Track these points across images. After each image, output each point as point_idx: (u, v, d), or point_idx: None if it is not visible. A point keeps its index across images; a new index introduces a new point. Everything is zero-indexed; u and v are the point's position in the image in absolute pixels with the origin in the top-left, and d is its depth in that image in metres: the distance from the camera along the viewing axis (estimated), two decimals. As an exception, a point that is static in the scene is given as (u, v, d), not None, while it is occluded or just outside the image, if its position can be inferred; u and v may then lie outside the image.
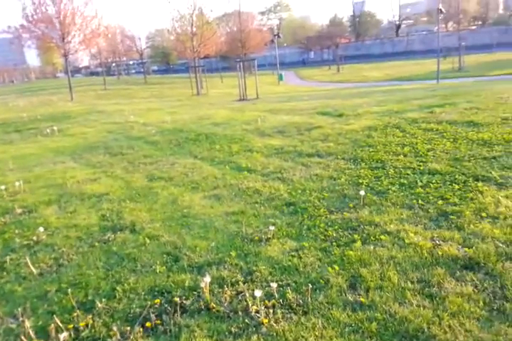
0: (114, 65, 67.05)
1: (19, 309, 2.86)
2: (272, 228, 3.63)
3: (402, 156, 5.48)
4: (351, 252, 3.12)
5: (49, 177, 6.48)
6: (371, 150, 5.96)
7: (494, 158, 4.94)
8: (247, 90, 20.17)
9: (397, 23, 73.41)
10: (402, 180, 4.58)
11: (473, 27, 64.70)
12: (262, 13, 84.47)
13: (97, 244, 3.87)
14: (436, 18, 32.07)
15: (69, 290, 2.98)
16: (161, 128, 10.25)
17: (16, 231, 4.36)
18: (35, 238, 4.11)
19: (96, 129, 11.33)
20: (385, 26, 79.35)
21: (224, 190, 5.09)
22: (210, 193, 5.03)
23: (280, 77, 39.77)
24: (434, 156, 5.30)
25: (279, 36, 48.69)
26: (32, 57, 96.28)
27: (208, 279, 2.80)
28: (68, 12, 23.84)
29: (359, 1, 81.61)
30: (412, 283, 2.69)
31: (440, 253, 2.99)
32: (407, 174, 4.78)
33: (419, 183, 4.42)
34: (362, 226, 3.58)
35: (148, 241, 3.80)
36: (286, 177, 5.26)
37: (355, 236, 3.39)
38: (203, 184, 5.42)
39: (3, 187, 5.81)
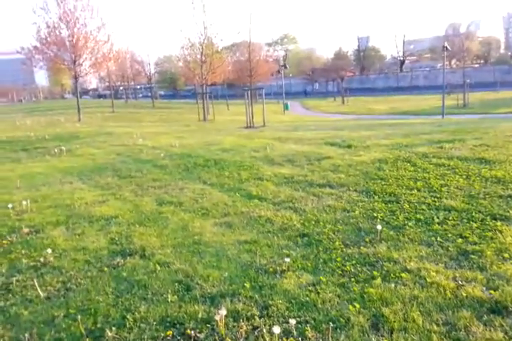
0: (122, 88, 68.34)
1: (26, 334, 2.75)
2: (286, 260, 3.54)
3: (415, 191, 5.44)
4: (372, 290, 3.02)
5: (57, 198, 6.42)
6: (383, 183, 5.93)
7: (510, 196, 4.90)
8: (253, 118, 20.40)
9: (401, 58, 75.30)
10: (418, 216, 4.52)
11: (476, 65, 66.36)
12: (269, 45, 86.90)
13: (106, 268, 3.77)
14: (441, 55, 32.88)
15: (78, 316, 2.87)
16: (170, 152, 10.28)
17: (23, 252, 4.27)
18: (42, 259, 4.01)
19: (104, 151, 11.37)
20: (389, 61, 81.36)
21: (235, 217, 5.03)
22: (221, 220, 4.96)
23: (286, 107, 40.39)
24: (448, 192, 5.26)
25: (285, 67, 49.90)
26: (41, 78, 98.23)
27: (223, 312, 2.70)
28: (81, 36, 24.54)
29: (364, 36, 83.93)
30: (438, 325, 2.58)
31: (464, 294, 2.89)
32: (423, 209, 4.72)
33: (436, 220, 4.36)
34: (380, 262, 3.49)
35: (159, 267, 3.70)
36: (298, 207, 5.20)
37: (375, 272, 3.29)
38: (214, 210, 5.36)
39: (10, 205, 5.75)
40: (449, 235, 3.95)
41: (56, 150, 11.33)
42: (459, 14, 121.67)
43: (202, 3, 28.85)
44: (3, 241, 4.61)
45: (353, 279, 3.23)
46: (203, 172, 7.72)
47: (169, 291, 3.25)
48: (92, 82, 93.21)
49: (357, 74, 75.21)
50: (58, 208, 5.88)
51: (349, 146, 9.17)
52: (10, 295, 3.39)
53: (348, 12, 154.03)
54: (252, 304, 2.98)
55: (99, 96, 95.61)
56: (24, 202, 5.85)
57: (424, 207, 4.82)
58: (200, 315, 2.88)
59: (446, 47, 26.24)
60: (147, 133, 15.47)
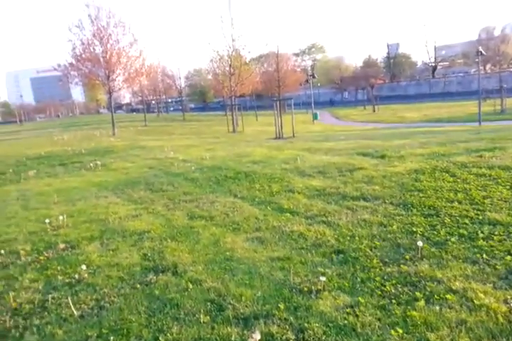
0: (154, 102, 70.10)
1: (60, 356, 2.74)
2: (322, 278, 3.39)
3: (456, 203, 5.17)
4: (415, 313, 2.83)
5: (92, 212, 6.54)
6: (421, 195, 5.68)
7: (561, 209, 4.57)
8: (282, 128, 20.35)
9: (433, 64, 73.54)
10: (460, 231, 4.27)
11: (512, 69, 63.94)
12: (297, 55, 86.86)
13: (138, 286, 3.75)
14: (475, 60, 31.89)
15: (110, 337, 2.84)
16: (200, 165, 10.34)
17: (59, 268, 4.32)
18: (76, 276, 4.04)
19: (137, 164, 11.58)
20: (420, 67, 79.47)
21: (267, 232, 4.92)
22: (253, 235, 4.87)
23: (315, 116, 40.17)
24: (491, 204, 4.97)
25: (313, 77, 49.77)
26: (77, 94, 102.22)
27: (257, 336, 2.59)
28: (114, 52, 25.43)
29: (393, 42, 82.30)
30: (490, 354, 2.38)
31: (518, 319, 2.66)
32: (465, 224, 4.47)
33: (481, 235, 4.10)
34: (423, 282, 3.29)
35: (191, 285, 3.64)
36: (331, 222, 5.05)
37: (417, 293, 3.10)
38: (245, 225, 5.28)
39: (47, 220, 5.89)
40: (496, 252, 3.70)
41: (92, 165, 11.64)
42: (492, 18, 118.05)
43: (230, 17, 29.45)
44: (40, 257, 4.70)
45: (394, 301, 3.05)
46: (234, 185, 7.69)
47: (201, 311, 3.17)
48: (125, 96, 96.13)
49: (387, 82, 73.97)
50: (93, 223, 5.97)
51: (382, 156, 8.91)
52: (46, 313, 3.41)
53: (377, 19, 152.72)
54: (287, 327, 2.86)
55: (133, 110, 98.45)
56: (60, 217, 5.98)
57: (466, 220, 4.56)
58: (233, 338, 2.79)
59: (481, 52, 25.40)
60: (178, 146, 15.69)
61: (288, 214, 5.55)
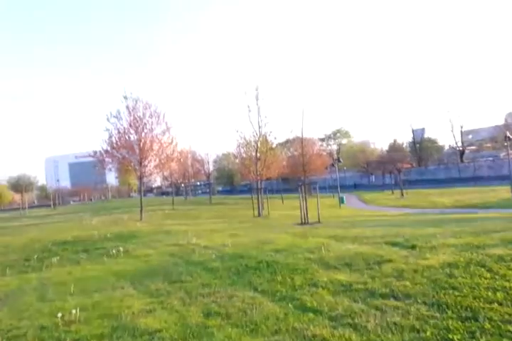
0: (183, 185, 72.28)
1: None
2: None
3: (496, 304, 4.67)
4: None
5: (106, 306, 6.28)
6: (456, 293, 5.20)
7: None
8: (308, 213, 20.15)
9: (461, 149, 74.00)
10: (503, 340, 3.78)
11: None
12: (322, 140, 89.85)
13: None
14: (503, 144, 31.88)
15: None
16: (222, 252, 10.09)
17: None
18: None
19: (158, 251, 11.43)
20: (447, 151, 79.82)
21: (286, 335, 4.51)
22: (271, 339, 4.46)
23: (341, 200, 39.95)
24: (538, 308, 4.45)
25: (339, 161, 50.80)
26: (111, 177, 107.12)
27: None
28: (148, 140, 26.89)
29: (419, 127, 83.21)
30: None
31: None
32: (509, 331, 3.96)
33: (529, 347, 3.60)
34: None
35: None
36: (358, 324, 4.60)
37: None
38: (263, 326, 4.88)
39: (60, 314, 5.68)
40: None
41: (114, 251, 11.58)
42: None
43: (257, 106, 31.33)
44: (45, 359, 4.41)
45: None
46: (254, 277, 7.34)
47: None
48: (156, 180, 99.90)
49: (415, 166, 74.22)
50: (105, 318, 5.69)
51: (413, 247, 8.47)
52: None
53: (402, 104, 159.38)
54: None
55: (162, 193, 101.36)
56: (73, 311, 5.76)
57: (509, 327, 4.05)
58: None
59: (509, 137, 25.55)
60: (202, 231, 15.60)
61: (311, 314, 5.13)
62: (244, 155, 34.65)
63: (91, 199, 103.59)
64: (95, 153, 27.64)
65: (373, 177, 74.28)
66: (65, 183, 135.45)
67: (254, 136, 31.65)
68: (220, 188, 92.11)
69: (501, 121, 71.28)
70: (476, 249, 7.55)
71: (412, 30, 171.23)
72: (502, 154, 65.53)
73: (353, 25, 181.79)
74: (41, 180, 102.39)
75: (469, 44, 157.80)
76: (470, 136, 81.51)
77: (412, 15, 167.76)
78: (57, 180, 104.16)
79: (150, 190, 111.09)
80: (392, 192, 51.09)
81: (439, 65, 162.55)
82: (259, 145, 31.88)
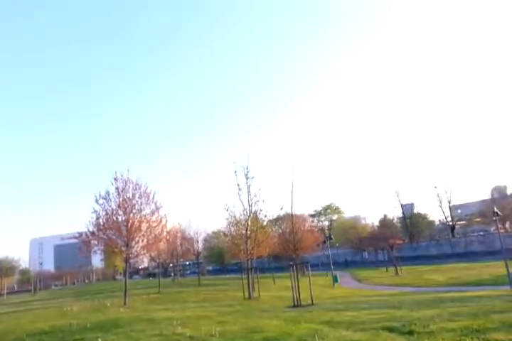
0: (171, 265, 69.67)
1: None
2: None
3: None
4: None
5: None
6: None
7: None
8: (300, 294, 19.25)
9: (451, 223, 74.15)
10: None
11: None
12: (313, 216, 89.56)
13: None
14: (492, 219, 32.07)
15: None
16: (208, 343, 9.37)
17: None
18: None
19: (140, 344, 10.57)
20: (438, 227, 79.66)
21: None
22: None
23: (335, 279, 38.58)
24: None
25: (330, 238, 50.19)
26: (97, 259, 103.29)
27: None
28: (136, 220, 26.25)
29: (408, 202, 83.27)
30: None
31: None
32: None
33: None
34: None
35: None
36: None
37: None
38: None
39: None
40: None
41: (91, 344, 10.67)
42: (502, 176, 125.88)
43: (247, 185, 31.62)
44: None
45: None
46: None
47: None
48: (143, 260, 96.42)
49: (407, 242, 73.41)
50: None
51: (410, 332, 8.01)
52: None
53: (390, 179, 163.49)
54: None
55: (149, 275, 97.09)
56: None
57: None
58: None
59: (497, 213, 25.85)
60: (188, 318, 14.64)
61: None
62: (234, 234, 34.05)
63: (74, 283, 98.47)
64: (80, 234, 26.67)
65: (366, 253, 72.88)
66: (50, 266, 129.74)
67: (244, 214, 31.42)
68: (210, 268, 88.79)
69: (488, 195, 72.76)
70: (476, 333, 7.16)
71: (399, 107, 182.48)
72: (492, 229, 65.73)
73: (340, 104, 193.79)
74: (24, 263, 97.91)
75: (454, 121, 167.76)
76: (459, 211, 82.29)
77: (399, 92, 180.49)
78: (41, 263, 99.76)
79: (136, 271, 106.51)
80: (387, 270, 49.77)
81: (425, 142, 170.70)
82: (249, 223, 31.54)
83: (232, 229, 33.76)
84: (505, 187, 78.42)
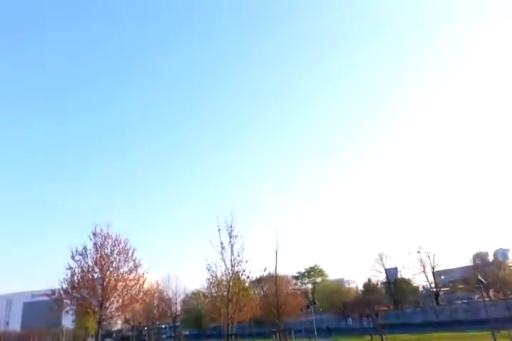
0: (146, 328, 65.60)
1: None
2: None
3: None
4: None
5: None
6: None
7: None
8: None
9: (435, 290, 72.71)
10: None
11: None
12: (296, 278, 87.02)
13: None
14: (475, 285, 31.61)
15: None
16: None
17: None
18: None
19: None
20: (422, 293, 77.86)
21: None
22: None
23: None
24: None
25: (314, 302, 48.42)
26: (68, 320, 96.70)
27: None
28: (112, 278, 24.99)
29: (391, 267, 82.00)
30: None
31: None
32: None
33: None
34: None
35: None
36: None
37: None
38: None
39: None
40: None
41: None
42: (483, 242, 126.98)
43: (230, 244, 30.94)
44: None
45: None
46: None
47: None
48: (117, 322, 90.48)
49: (391, 308, 71.17)
50: None
51: None
52: None
53: (375, 242, 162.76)
54: None
55: (123, 338, 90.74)
56: None
57: None
58: None
59: (481, 281, 25.64)
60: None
61: None
62: (215, 295, 32.60)
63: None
64: (53, 292, 25.26)
65: (350, 319, 70.01)
66: (16, 325, 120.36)
67: (226, 274, 30.42)
68: (187, 332, 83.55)
69: (470, 261, 72.44)
70: None
71: (384, 172, 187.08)
72: (476, 296, 64.49)
73: (327, 168, 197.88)
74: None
75: (434, 189, 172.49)
76: (442, 277, 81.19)
77: (383, 157, 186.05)
78: (7, 323, 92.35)
79: (109, 334, 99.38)
80: (371, 338, 47.71)
81: (409, 207, 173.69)
82: (231, 284, 30.41)
83: (213, 290, 32.43)
84: (486, 254, 78.55)
